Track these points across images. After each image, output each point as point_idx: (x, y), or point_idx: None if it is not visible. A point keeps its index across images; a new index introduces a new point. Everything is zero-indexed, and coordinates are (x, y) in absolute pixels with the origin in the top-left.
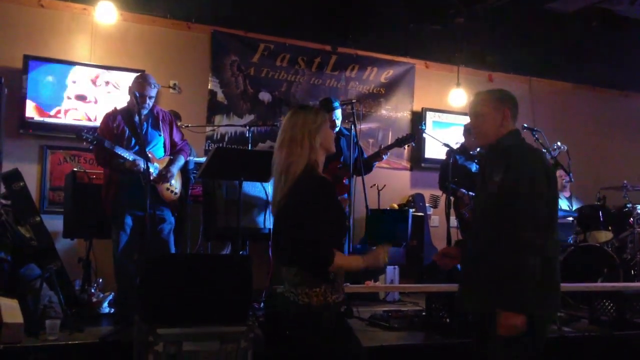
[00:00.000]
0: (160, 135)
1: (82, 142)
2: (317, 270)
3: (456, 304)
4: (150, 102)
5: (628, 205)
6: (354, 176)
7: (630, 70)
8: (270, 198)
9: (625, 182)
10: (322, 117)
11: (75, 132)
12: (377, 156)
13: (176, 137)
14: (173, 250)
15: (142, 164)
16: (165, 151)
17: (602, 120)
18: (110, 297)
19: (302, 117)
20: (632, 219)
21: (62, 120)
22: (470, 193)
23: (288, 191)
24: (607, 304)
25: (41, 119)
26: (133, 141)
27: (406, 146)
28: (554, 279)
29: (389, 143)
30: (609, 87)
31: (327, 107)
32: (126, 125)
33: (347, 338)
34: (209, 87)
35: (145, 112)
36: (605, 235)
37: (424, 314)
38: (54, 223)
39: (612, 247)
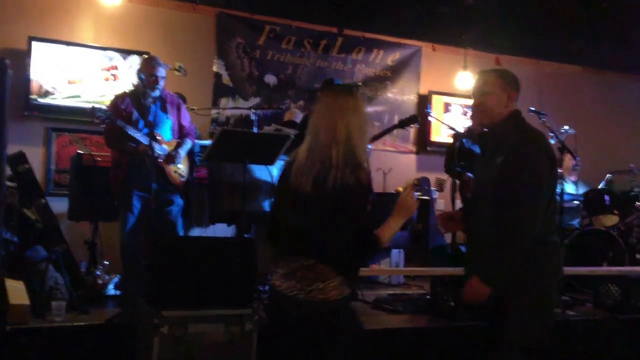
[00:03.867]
0: (168, 119)
1: (94, 121)
2: (368, 257)
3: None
4: (162, 83)
5: (635, 189)
6: None
7: (639, 53)
8: (275, 181)
9: (632, 166)
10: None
11: (87, 111)
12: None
13: (184, 120)
14: (181, 232)
15: (155, 148)
16: (173, 134)
17: (610, 103)
18: (116, 279)
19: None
20: (638, 203)
21: (67, 102)
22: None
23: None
24: (612, 288)
25: (45, 101)
26: (141, 123)
27: (411, 129)
28: (551, 262)
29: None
30: (618, 71)
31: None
32: (135, 108)
33: (350, 322)
34: (214, 69)
35: (157, 93)
36: (611, 220)
37: (428, 297)
38: (60, 205)
39: (618, 231)
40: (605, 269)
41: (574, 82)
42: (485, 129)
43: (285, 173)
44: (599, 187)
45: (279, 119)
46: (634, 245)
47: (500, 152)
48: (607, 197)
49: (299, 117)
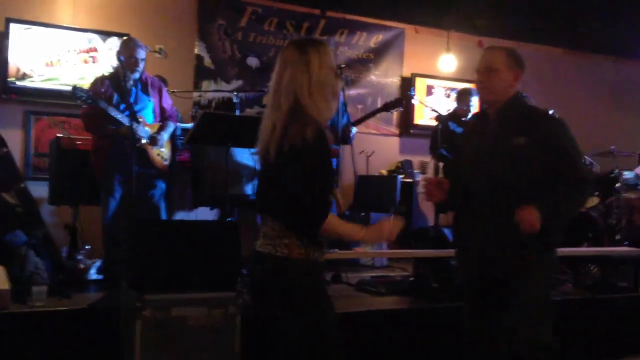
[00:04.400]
0: (150, 101)
1: (77, 102)
2: (305, 228)
3: (463, 272)
4: (142, 65)
5: (615, 171)
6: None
7: (620, 36)
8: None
9: (612, 147)
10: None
11: (68, 92)
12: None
13: (166, 103)
14: (164, 216)
15: (138, 130)
16: (154, 117)
17: (592, 86)
18: (98, 263)
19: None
20: (618, 184)
21: (45, 85)
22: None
23: (290, 139)
24: (591, 268)
25: (24, 83)
26: (122, 106)
27: (394, 112)
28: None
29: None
30: (599, 53)
31: None
32: (115, 91)
33: (321, 302)
34: (196, 51)
35: (137, 75)
36: (591, 201)
37: (411, 279)
38: (40, 190)
39: (598, 212)
40: (585, 250)
41: (554, 64)
42: (467, 115)
43: None
44: None
45: (261, 101)
46: (614, 226)
47: (518, 133)
48: None
49: None
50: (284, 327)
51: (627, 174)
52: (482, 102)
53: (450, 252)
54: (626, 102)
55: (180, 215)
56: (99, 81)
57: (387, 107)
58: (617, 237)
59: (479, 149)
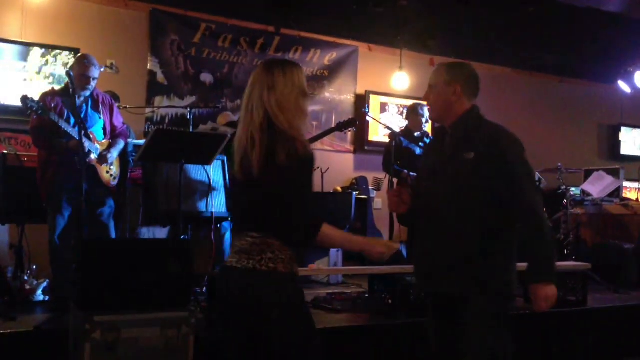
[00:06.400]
0: (100, 118)
1: (27, 112)
2: (301, 240)
3: (416, 287)
4: (93, 84)
5: (562, 187)
6: None
7: (566, 57)
8: (212, 182)
9: (559, 164)
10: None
11: (18, 107)
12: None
13: (116, 121)
14: (113, 235)
15: (86, 144)
16: (105, 134)
17: (539, 104)
18: (45, 284)
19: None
20: (565, 200)
21: None
22: (412, 174)
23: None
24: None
25: None
26: (72, 122)
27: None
28: (509, 258)
29: (332, 126)
30: (546, 73)
31: None
32: (65, 107)
33: (304, 320)
34: (149, 67)
35: (87, 93)
36: None
37: (366, 295)
38: None
39: None
40: None
41: (504, 84)
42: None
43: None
44: None
45: (215, 118)
46: (562, 241)
47: (468, 148)
48: None
49: (234, 118)
50: (267, 342)
51: (574, 190)
52: (431, 119)
53: (405, 268)
54: (571, 120)
55: (132, 234)
56: (49, 96)
57: (340, 127)
58: (565, 252)
59: (435, 166)
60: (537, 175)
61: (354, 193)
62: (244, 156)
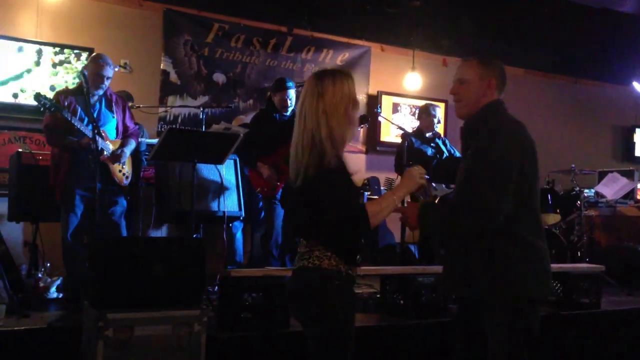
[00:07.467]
0: (113, 117)
1: (40, 109)
2: (353, 233)
3: (441, 289)
4: (107, 83)
5: (576, 189)
6: None
7: (579, 57)
8: (225, 181)
9: (573, 166)
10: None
11: (33, 106)
12: None
13: (129, 121)
14: (125, 233)
15: (99, 142)
16: (117, 134)
17: (552, 105)
18: (59, 281)
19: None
20: (579, 202)
21: (6, 99)
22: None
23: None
24: (554, 284)
25: None
26: (86, 120)
27: (361, 129)
28: (532, 267)
29: None
30: (560, 74)
31: (281, 87)
32: (78, 105)
33: (344, 310)
34: (162, 67)
35: (100, 92)
36: (553, 218)
37: (378, 296)
38: None
39: (560, 229)
40: None
41: (517, 84)
42: (431, 131)
43: None
44: (542, 186)
45: (228, 117)
46: (575, 243)
47: (470, 145)
48: (549, 196)
49: (246, 121)
50: (308, 333)
51: (588, 192)
52: (459, 117)
53: (417, 268)
54: (586, 121)
55: (145, 233)
56: (62, 95)
57: None
58: (579, 253)
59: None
60: (550, 176)
61: (366, 193)
62: (294, 165)
